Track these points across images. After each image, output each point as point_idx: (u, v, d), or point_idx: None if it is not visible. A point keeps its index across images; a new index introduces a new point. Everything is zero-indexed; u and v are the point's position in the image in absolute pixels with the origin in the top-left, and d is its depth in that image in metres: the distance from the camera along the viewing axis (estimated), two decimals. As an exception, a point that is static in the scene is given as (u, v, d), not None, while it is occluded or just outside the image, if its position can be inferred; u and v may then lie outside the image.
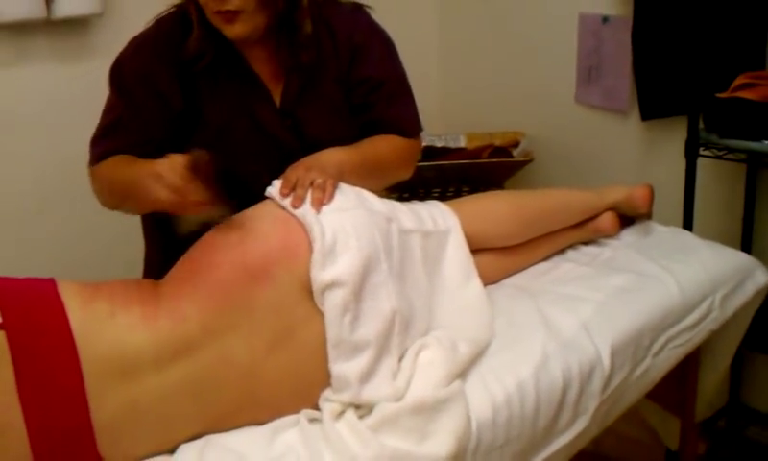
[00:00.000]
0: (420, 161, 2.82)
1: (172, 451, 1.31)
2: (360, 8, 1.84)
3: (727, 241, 2.08)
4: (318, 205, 1.47)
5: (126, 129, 1.68)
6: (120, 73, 1.71)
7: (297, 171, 1.55)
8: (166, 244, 1.63)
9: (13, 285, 1.28)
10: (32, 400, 1.18)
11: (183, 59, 1.67)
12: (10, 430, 1.17)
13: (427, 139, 2.97)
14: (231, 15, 1.59)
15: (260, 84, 1.72)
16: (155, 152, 1.60)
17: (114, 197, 1.67)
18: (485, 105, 3.10)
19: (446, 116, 3.23)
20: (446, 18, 3.22)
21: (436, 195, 2.72)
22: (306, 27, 1.68)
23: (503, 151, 2.80)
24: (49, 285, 1.30)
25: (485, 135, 2.92)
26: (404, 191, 2.59)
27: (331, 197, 1.50)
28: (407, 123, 1.85)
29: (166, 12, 1.71)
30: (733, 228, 2.41)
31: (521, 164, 2.75)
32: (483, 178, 2.72)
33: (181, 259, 1.45)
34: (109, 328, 1.27)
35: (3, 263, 1.86)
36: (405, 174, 1.86)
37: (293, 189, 1.50)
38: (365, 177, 1.66)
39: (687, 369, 1.98)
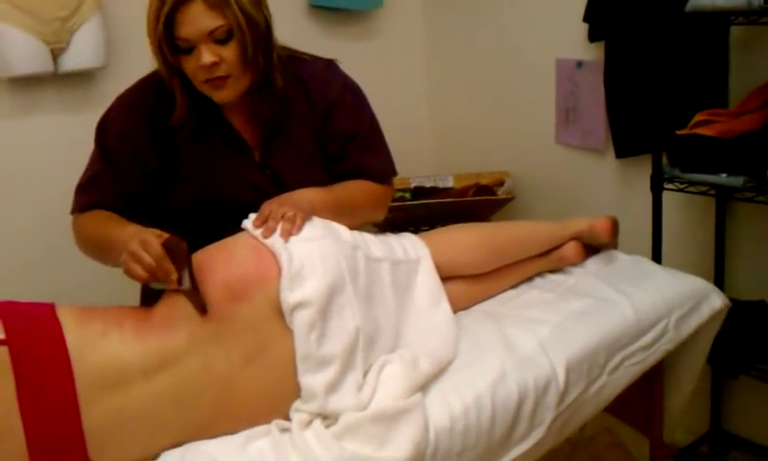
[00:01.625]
0: (409, 200, 2.99)
1: (155, 458, 1.44)
2: (331, 64, 1.97)
3: (699, 272, 2.16)
4: (287, 235, 1.61)
5: (105, 183, 1.80)
6: (103, 129, 1.84)
7: (270, 205, 1.69)
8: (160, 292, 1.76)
9: (16, 307, 1.44)
10: (30, 408, 1.32)
11: (167, 125, 1.79)
12: (10, 434, 1.30)
13: (417, 180, 3.13)
14: (221, 81, 1.72)
15: (240, 140, 1.85)
16: (134, 204, 1.78)
17: (90, 250, 1.80)
18: (472, 147, 3.25)
19: (436, 158, 3.39)
20: (435, 68, 3.39)
21: (425, 231, 2.86)
22: (278, 81, 1.82)
23: (487, 189, 2.94)
24: (48, 308, 1.45)
25: (472, 175, 3.07)
26: (395, 228, 2.73)
27: (300, 228, 1.64)
28: (379, 170, 1.97)
29: (150, 75, 1.83)
30: (706, 259, 2.52)
31: (504, 202, 2.89)
32: (469, 215, 2.85)
33: None
34: (102, 345, 1.42)
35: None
36: (377, 216, 1.99)
37: (265, 221, 1.64)
38: (336, 215, 1.77)
39: (653, 391, 2.08)
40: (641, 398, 2.08)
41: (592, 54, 2.68)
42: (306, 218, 1.68)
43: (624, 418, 2.21)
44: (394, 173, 2.03)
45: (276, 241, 1.59)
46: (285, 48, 1.89)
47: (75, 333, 1.41)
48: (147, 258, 1.51)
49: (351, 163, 1.93)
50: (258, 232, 1.62)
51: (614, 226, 2.15)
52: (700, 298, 1.99)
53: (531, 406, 1.63)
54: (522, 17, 2.95)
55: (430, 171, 3.27)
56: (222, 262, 1.58)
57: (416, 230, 2.01)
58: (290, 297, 1.52)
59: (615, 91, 2.59)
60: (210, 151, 1.83)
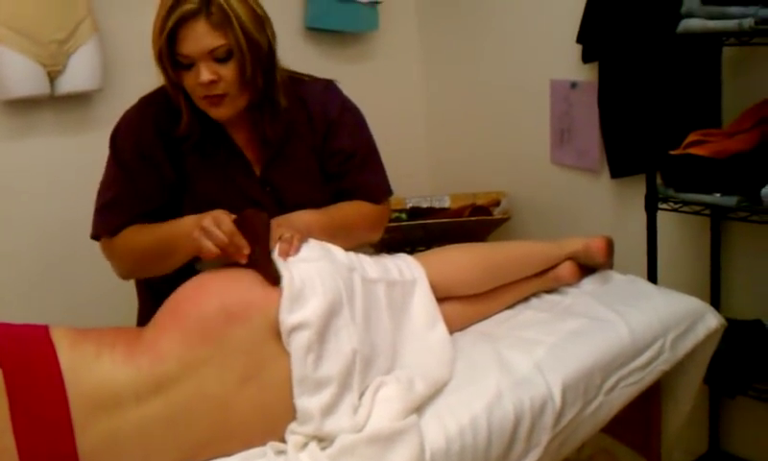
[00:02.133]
0: (406, 221, 2.99)
1: (150, 481, 1.44)
2: (331, 84, 2.00)
3: (694, 292, 2.16)
4: (284, 255, 1.62)
5: (130, 203, 1.82)
6: (117, 147, 1.86)
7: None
8: (157, 304, 1.76)
9: (10, 330, 1.44)
10: (23, 429, 1.32)
11: (173, 136, 1.82)
12: (4, 456, 1.30)
13: (413, 200, 3.14)
14: (218, 99, 1.75)
15: (242, 155, 1.88)
16: (156, 219, 1.79)
17: (143, 261, 1.80)
18: (468, 167, 3.26)
19: (432, 178, 3.40)
20: (431, 89, 3.41)
21: (421, 252, 2.86)
22: (281, 101, 1.84)
23: (483, 209, 2.95)
24: (42, 330, 1.45)
25: (468, 196, 3.08)
26: (391, 249, 2.73)
27: (297, 250, 1.65)
28: (376, 189, 2.01)
29: (152, 91, 1.87)
30: (701, 279, 2.52)
31: (500, 222, 2.90)
32: (465, 235, 2.85)
33: (164, 304, 1.59)
34: (95, 367, 1.42)
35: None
36: (374, 237, 2.01)
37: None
38: (331, 237, 1.79)
39: (650, 411, 2.08)
40: (639, 418, 2.07)
41: (586, 74, 2.70)
42: (303, 240, 1.69)
43: (622, 439, 2.20)
44: (390, 193, 2.05)
45: (276, 261, 1.60)
46: (285, 70, 1.91)
47: (68, 355, 1.42)
48: (219, 234, 1.59)
49: (349, 181, 1.96)
50: None
51: (610, 246, 2.16)
52: (696, 317, 1.99)
53: (527, 427, 1.62)
54: (517, 39, 2.97)
55: (426, 191, 3.28)
56: (222, 283, 1.59)
57: (412, 251, 2.02)
58: (289, 318, 1.52)
59: (609, 111, 2.60)
60: (213, 165, 1.86)
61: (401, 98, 3.38)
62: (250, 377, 1.50)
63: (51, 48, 2.37)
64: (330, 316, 1.56)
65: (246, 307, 1.53)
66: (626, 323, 1.89)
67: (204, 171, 1.86)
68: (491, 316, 2.01)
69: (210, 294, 1.55)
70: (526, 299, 2.09)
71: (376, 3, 3.14)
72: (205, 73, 1.69)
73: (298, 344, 1.51)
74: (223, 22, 1.68)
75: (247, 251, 1.60)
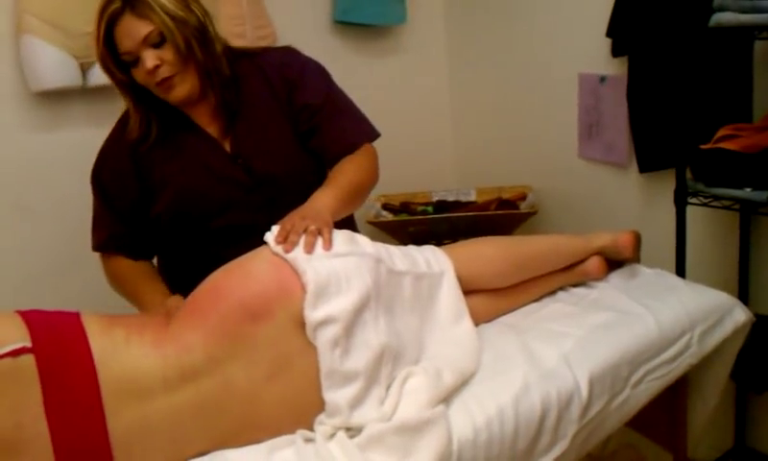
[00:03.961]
0: (432, 214, 3.00)
1: (180, 466, 1.46)
2: (288, 49, 2.06)
3: (723, 286, 2.15)
4: (310, 248, 1.63)
5: (109, 223, 1.99)
6: (93, 173, 2.01)
7: (292, 219, 1.70)
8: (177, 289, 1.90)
9: (42, 316, 1.46)
10: (56, 415, 1.34)
11: (133, 142, 1.93)
12: (38, 441, 1.32)
13: (439, 194, 3.15)
14: (168, 83, 1.83)
15: (208, 136, 1.95)
16: (142, 236, 1.96)
17: (120, 293, 2.01)
18: (495, 161, 3.26)
19: (458, 172, 3.41)
20: (458, 82, 3.41)
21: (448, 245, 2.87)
22: (224, 70, 1.91)
23: (510, 203, 2.95)
24: (73, 316, 1.47)
25: (494, 189, 3.08)
26: (417, 242, 2.74)
27: (330, 243, 1.66)
28: (356, 134, 2.03)
29: (121, 116, 1.99)
30: (730, 274, 2.51)
31: (526, 216, 2.89)
32: (491, 229, 2.85)
33: (188, 299, 1.61)
34: (125, 353, 1.44)
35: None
36: (375, 182, 2.03)
37: (287, 237, 1.65)
38: (350, 208, 1.89)
39: (676, 405, 2.08)
40: (665, 413, 2.07)
41: (615, 69, 2.69)
42: (332, 230, 1.70)
43: (647, 433, 2.20)
44: (373, 134, 2.08)
45: (298, 257, 1.60)
46: (242, 48, 2.03)
47: (99, 341, 1.44)
48: None
49: (325, 134, 1.99)
50: (279, 248, 1.63)
51: (637, 240, 2.15)
52: (723, 312, 1.99)
53: (554, 419, 1.63)
54: (545, 32, 2.96)
55: (452, 185, 3.29)
56: (239, 280, 1.58)
57: (438, 245, 2.02)
58: (314, 314, 1.52)
59: (639, 106, 2.59)
60: (182, 154, 1.94)
61: (429, 91, 3.39)
62: (277, 372, 1.51)
63: (83, 40, 2.38)
64: (357, 311, 1.56)
65: (265, 304, 1.53)
66: (653, 316, 1.89)
67: (174, 161, 1.93)
68: (517, 309, 2.02)
69: (228, 293, 1.55)
70: (553, 292, 2.09)
71: (404, -4, 3.15)
72: (148, 60, 1.79)
73: (324, 338, 1.52)
74: (146, 10, 1.78)
75: None
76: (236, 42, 2.74)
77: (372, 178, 2.00)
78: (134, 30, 1.78)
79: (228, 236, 1.91)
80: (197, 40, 1.83)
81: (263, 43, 2.84)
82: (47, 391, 1.34)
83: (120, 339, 1.45)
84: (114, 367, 1.41)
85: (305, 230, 1.67)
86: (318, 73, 2.04)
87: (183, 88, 1.85)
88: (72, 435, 1.34)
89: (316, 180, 1.96)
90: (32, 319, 1.42)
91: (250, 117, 1.95)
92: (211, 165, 1.93)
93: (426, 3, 3.29)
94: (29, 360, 1.35)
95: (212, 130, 1.95)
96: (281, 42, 2.92)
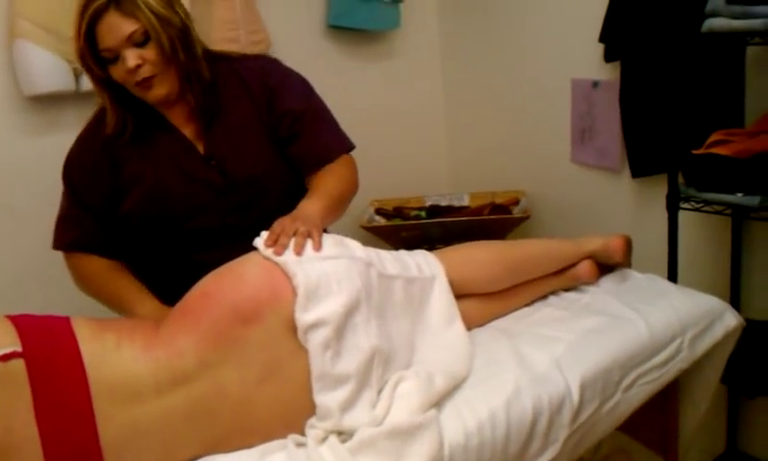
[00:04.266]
0: (425, 219, 3.00)
1: (171, 471, 1.45)
2: (267, 57, 2.08)
3: (714, 291, 2.15)
4: (299, 250, 1.63)
5: (79, 221, 1.96)
6: (65, 167, 1.98)
7: (282, 223, 1.71)
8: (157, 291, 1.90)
9: (32, 321, 1.46)
10: (46, 419, 1.34)
11: (108, 138, 1.91)
12: (28, 444, 1.32)
13: (433, 198, 3.16)
14: (148, 82, 1.82)
15: (182, 137, 1.93)
16: (112, 236, 1.95)
17: (96, 298, 1.96)
18: (488, 166, 3.27)
19: (452, 177, 3.42)
20: (451, 87, 3.42)
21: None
22: (204, 73, 1.90)
23: (503, 208, 2.96)
24: (63, 321, 1.47)
25: (487, 194, 3.09)
26: (410, 247, 2.74)
27: (320, 245, 1.67)
28: (335, 145, 2.03)
29: (96, 110, 1.98)
30: (722, 278, 2.51)
31: (519, 221, 2.90)
32: (484, 234, 2.86)
33: (179, 304, 1.61)
34: (115, 358, 1.44)
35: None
36: (356, 193, 2.03)
37: (276, 239, 1.66)
38: (334, 216, 1.89)
39: (668, 409, 2.08)
40: (656, 417, 2.08)
41: (608, 74, 2.70)
42: (321, 233, 1.71)
43: (639, 438, 2.20)
44: (350, 146, 2.07)
45: (289, 260, 1.60)
46: (220, 52, 2.02)
47: (90, 346, 1.44)
48: None
49: (305, 143, 1.98)
50: (269, 252, 1.63)
51: (628, 245, 2.16)
52: (714, 316, 1.99)
53: (545, 423, 1.63)
54: (538, 37, 2.97)
55: (446, 190, 3.30)
56: (231, 285, 1.58)
57: (431, 249, 2.02)
58: (304, 317, 1.53)
59: (631, 111, 2.60)
60: (155, 154, 1.92)
61: (422, 96, 3.39)
62: (268, 375, 1.51)
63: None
64: (348, 313, 1.57)
65: (257, 308, 1.53)
66: (645, 321, 1.89)
67: (147, 162, 1.91)
68: (509, 313, 2.02)
69: (220, 297, 1.56)
70: (545, 296, 2.09)
71: (398, 1, 3.16)
72: (130, 59, 1.77)
73: (315, 341, 1.52)
74: (132, 8, 1.76)
75: None
76: (230, 47, 2.76)
77: (352, 188, 2.00)
78: (119, 27, 1.76)
79: (198, 239, 1.91)
80: (180, 41, 1.83)
81: (257, 48, 2.85)
82: (37, 395, 1.34)
83: (111, 344, 1.45)
84: (105, 371, 1.41)
85: (295, 233, 1.67)
86: (299, 82, 2.05)
87: (163, 89, 1.85)
88: (62, 439, 1.34)
89: (289, 186, 1.98)
90: (22, 323, 1.42)
91: (225, 120, 1.94)
92: (184, 166, 1.91)
93: (420, 8, 3.30)
94: (19, 365, 1.35)
95: (187, 131, 1.94)
96: (275, 47, 2.93)
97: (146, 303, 1.87)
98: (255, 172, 1.94)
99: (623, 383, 1.79)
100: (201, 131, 1.94)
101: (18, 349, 1.36)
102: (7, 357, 1.34)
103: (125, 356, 1.45)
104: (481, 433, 1.54)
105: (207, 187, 1.91)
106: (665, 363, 1.87)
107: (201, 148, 1.93)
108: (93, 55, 1.80)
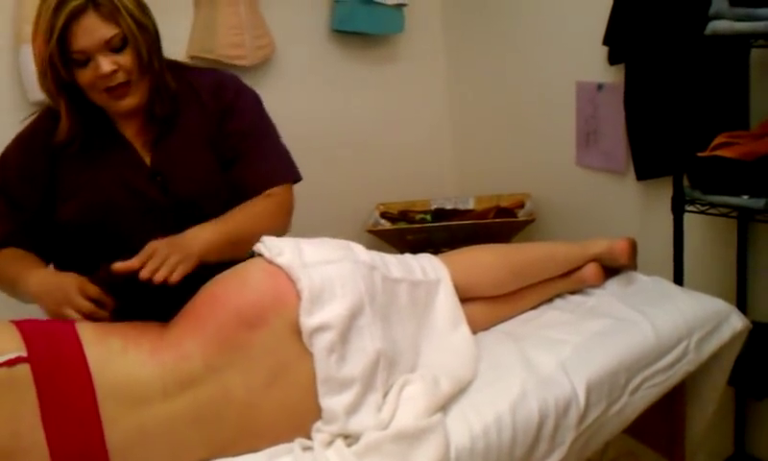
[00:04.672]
0: (430, 222, 3.00)
1: (178, 475, 1.46)
2: (224, 72, 2.01)
3: (720, 294, 2.16)
4: (160, 280, 1.58)
5: (7, 220, 1.85)
6: (1, 168, 1.88)
7: (159, 244, 1.64)
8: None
9: (37, 325, 1.47)
10: (53, 423, 1.34)
11: (55, 145, 1.81)
12: (34, 449, 1.33)
13: (438, 202, 3.16)
14: (122, 90, 1.75)
15: (132, 149, 1.85)
16: (39, 237, 1.85)
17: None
18: (493, 169, 3.26)
19: (457, 180, 3.41)
20: (456, 91, 3.42)
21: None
22: (171, 83, 1.85)
23: (508, 211, 2.95)
24: (68, 326, 1.48)
25: (493, 197, 3.09)
26: (415, 250, 2.75)
27: (177, 282, 1.60)
28: (276, 173, 1.94)
29: (44, 109, 1.88)
30: (728, 281, 2.51)
31: (525, 224, 2.90)
32: (489, 237, 2.86)
33: (185, 308, 1.61)
34: (121, 361, 1.45)
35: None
36: (282, 229, 1.90)
37: (148, 259, 1.60)
38: (231, 252, 1.73)
39: (675, 412, 2.08)
40: (663, 420, 2.07)
41: (613, 76, 2.69)
42: (188, 270, 1.64)
43: (646, 441, 2.20)
44: (295, 178, 2.00)
45: (293, 264, 1.60)
46: (174, 61, 1.94)
47: (95, 350, 1.44)
48: (80, 302, 1.61)
49: (246, 166, 1.91)
50: (276, 257, 1.63)
51: (633, 248, 2.16)
52: (720, 319, 1.99)
53: (552, 426, 1.63)
54: (543, 40, 2.97)
55: (451, 193, 3.30)
56: (235, 289, 1.59)
57: (436, 253, 2.03)
58: (309, 321, 1.53)
59: (636, 114, 2.59)
60: (100, 164, 1.83)
61: (426, 100, 3.40)
62: (274, 379, 1.52)
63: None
64: (352, 317, 1.58)
65: (261, 312, 1.54)
66: (651, 323, 1.89)
67: (90, 171, 1.82)
68: (514, 317, 2.02)
69: (225, 301, 1.56)
70: (550, 299, 2.10)
71: (402, 6, 3.16)
72: (106, 64, 1.70)
73: (320, 345, 1.53)
74: (112, 12, 1.70)
75: (111, 306, 1.62)
76: (235, 52, 2.77)
77: (272, 227, 1.83)
78: (97, 31, 1.69)
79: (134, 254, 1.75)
80: (154, 50, 1.78)
81: (262, 53, 2.85)
82: (43, 400, 1.35)
83: (116, 347, 1.46)
84: (110, 375, 1.42)
85: (164, 261, 1.61)
86: (252, 102, 1.98)
87: (134, 98, 1.78)
88: (69, 444, 1.35)
89: (235, 204, 1.89)
90: (27, 328, 1.43)
91: (176, 134, 1.87)
92: (129, 180, 1.83)
93: (424, 12, 3.30)
94: (25, 370, 1.36)
95: (137, 143, 1.86)
96: (280, 51, 2.94)
97: (33, 271, 1.75)
98: (199, 192, 1.85)
99: (629, 386, 1.79)
100: (150, 143, 1.86)
101: (24, 353, 1.37)
102: (12, 362, 1.35)
103: (131, 360, 1.45)
104: (487, 436, 1.55)
105: (148, 204, 1.82)
106: (672, 366, 1.88)
107: (148, 161, 1.86)
108: (62, 56, 1.70)
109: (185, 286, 1.65)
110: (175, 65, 1.92)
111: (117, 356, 1.45)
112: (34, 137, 1.86)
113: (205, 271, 1.67)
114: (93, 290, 1.63)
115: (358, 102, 3.23)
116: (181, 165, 1.86)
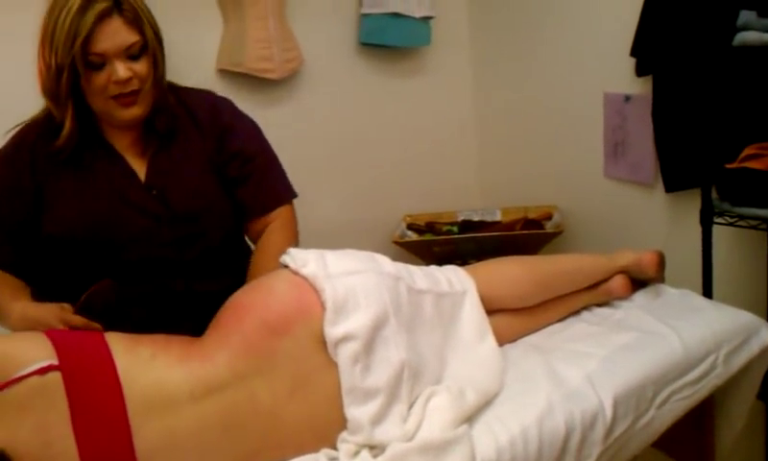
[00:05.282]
0: (457, 234, 3.00)
1: (205, 483, 1.47)
2: (216, 94, 2.01)
3: (750, 307, 2.13)
4: None
5: None
6: None
7: None
8: None
9: (67, 335, 1.50)
10: (83, 431, 1.36)
11: (51, 153, 1.78)
12: (65, 457, 1.35)
13: (465, 213, 3.16)
14: (132, 97, 1.75)
15: (124, 162, 1.83)
16: (24, 254, 1.81)
17: None
18: (520, 181, 3.26)
19: (483, 192, 3.41)
20: (482, 102, 3.42)
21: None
22: (170, 98, 1.86)
23: (535, 223, 2.95)
24: (98, 335, 1.51)
25: (520, 209, 3.08)
26: (442, 262, 2.75)
27: None
28: (282, 193, 2.01)
29: (31, 120, 1.84)
30: (758, 293, 2.48)
31: (552, 236, 2.89)
32: (517, 249, 2.85)
33: (214, 319, 1.64)
34: (150, 369, 1.47)
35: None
36: (296, 244, 1.96)
37: None
38: None
39: (703, 426, 2.06)
40: (692, 434, 2.06)
41: (640, 88, 2.68)
42: None
43: (675, 455, 2.18)
44: (294, 193, 2.05)
45: (318, 275, 1.63)
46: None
47: (124, 358, 1.46)
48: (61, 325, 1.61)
49: (254, 187, 1.95)
50: (301, 268, 1.66)
51: (661, 260, 2.15)
52: (750, 332, 1.97)
53: (578, 440, 1.62)
54: (570, 51, 2.97)
55: (477, 205, 3.29)
56: (261, 299, 1.62)
57: (463, 264, 2.03)
58: (333, 331, 1.55)
59: (664, 125, 2.58)
60: (92, 176, 1.81)
61: (453, 112, 3.40)
62: (299, 388, 1.53)
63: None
64: (376, 327, 1.59)
65: (286, 321, 1.56)
66: (678, 336, 1.88)
67: (81, 184, 1.80)
68: (540, 329, 2.02)
69: (251, 310, 1.59)
70: (577, 312, 2.09)
71: (429, 18, 3.17)
72: (122, 70, 1.70)
73: (345, 355, 1.54)
74: (136, 18, 1.70)
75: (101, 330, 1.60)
76: (263, 65, 2.80)
77: (291, 241, 1.95)
78: (120, 35, 1.69)
79: (131, 270, 1.79)
80: (162, 61, 1.79)
81: (290, 66, 2.88)
82: (74, 408, 1.37)
83: (146, 356, 1.48)
84: (140, 382, 1.44)
85: None
86: (251, 125, 2.00)
87: (140, 108, 1.78)
88: (99, 452, 1.37)
89: (232, 222, 1.95)
90: (57, 338, 1.45)
91: (169, 150, 1.87)
92: (124, 192, 1.81)
93: (451, 25, 3.31)
94: (56, 378, 1.38)
95: (129, 156, 1.84)
96: (308, 64, 2.97)
97: (13, 304, 1.72)
98: (197, 206, 1.86)
99: (657, 400, 1.78)
100: (143, 158, 1.85)
101: (55, 362, 1.39)
102: (44, 370, 1.37)
103: (159, 366, 1.48)
104: (513, 449, 1.55)
105: (148, 216, 1.81)
106: (700, 379, 1.86)
107: (142, 176, 1.84)
108: (82, 57, 1.69)
109: (175, 308, 1.69)
110: (168, 84, 1.89)
111: (146, 363, 1.47)
112: (18, 151, 1.82)
113: (197, 292, 1.71)
114: (77, 320, 1.62)
115: (385, 114, 3.24)
116: (176, 180, 1.86)
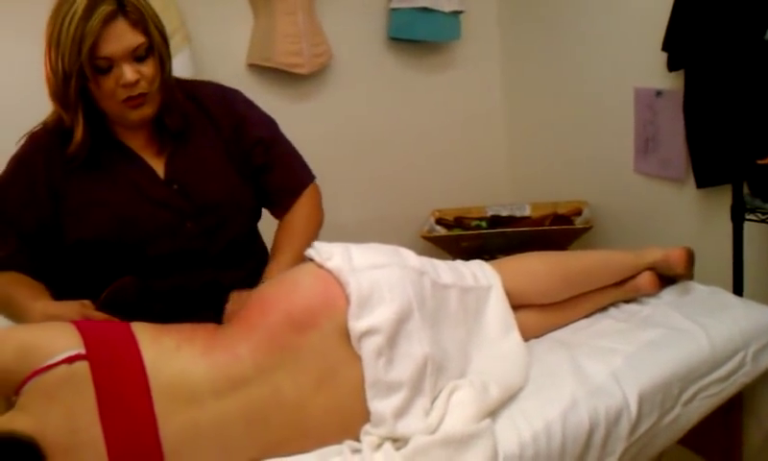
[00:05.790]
0: (486, 229, 3.00)
1: (229, 473, 1.49)
2: (221, 84, 2.00)
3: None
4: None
5: (6, 243, 1.79)
6: (2, 182, 1.81)
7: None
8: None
9: (94, 325, 1.51)
10: (110, 420, 1.38)
11: (59, 161, 1.76)
12: (92, 445, 1.37)
13: (494, 208, 3.16)
14: (141, 99, 1.73)
15: (141, 161, 1.82)
16: (41, 258, 1.79)
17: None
18: (549, 176, 3.25)
19: (513, 187, 3.41)
20: (512, 97, 3.42)
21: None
22: (178, 94, 1.85)
23: (565, 218, 2.94)
24: (124, 326, 1.53)
25: (549, 204, 3.08)
26: (470, 256, 2.75)
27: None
28: (304, 175, 2.04)
29: (33, 132, 1.82)
30: (790, 291, 2.46)
31: (581, 231, 2.87)
32: (546, 244, 2.84)
33: (238, 313, 1.65)
34: (175, 360, 1.48)
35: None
36: (322, 222, 2.03)
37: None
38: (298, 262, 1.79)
39: (731, 424, 2.04)
40: (720, 432, 2.04)
41: (671, 83, 2.66)
42: None
43: (702, 452, 2.16)
44: (314, 175, 2.07)
45: (343, 268, 1.63)
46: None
47: (151, 349, 1.48)
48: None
49: (280, 174, 1.98)
50: (326, 261, 1.66)
51: (690, 257, 2.12)
52: (780, 330, 1.95)
53: (602, 436, 1.62)
54: (600, 46, 2.95)
55: (507, 200, 3.29)
56: (286, 293, 1.63)
57: (491, 260, 2.02)
58: (358, 324, 1.56)
59: (695, 120, 2.56)
60: (112, 177, 1.80)
61: (482, 106, 3.40)
62: (323, 381, 1.54)
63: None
64: (400, 321, 1.59)
65: (311, 315, 1.57)
66: (706, 333, 1.86)
67: (102, 186, 1.79)
68: (566, 325, 2.01)
69: (276, 304, 1.60)
70: (604, 308, 2.07)
71: (459, 13, 3.17)
72: (130, 72, 1.68)
73: (368, 348, 1.55)
74: (141, 20, 1.68)
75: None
76: (292, 60, 2.82)
77: (319, 222, 2.01)
78: (125, 37, 1.67)
79: (160, 265, 1.79)
80: (168, 60, 1.78)
81: (319, 61, 2.89)
82: (101, 397, 1.39)
83: (171, 347, 1.50)
84: (165, 373, 1.46)
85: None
86: (264, 112, 2.01)
87: (149, 108, 1.76)
88: (125, 440, 1.39)
89: (254, 211, 1.99)
90: (85, 327, 1.48)
91: (188, 146, 1.86)
92: (146, 190, 1.80)
93: (480, 19, 3.31)
94: (83, 367, 1.40)
95: (145, 154, 1.83)
96: (337, 59, 2.98)
97: (35, 302, 1.68)
98: (220, 198, 1.86)
99: (683, 397, 1.77)
100: (159, 155, 1.84)
101: (82, 351, 1.42)
102: (72, 359, 1.40)
103: (184, 358, 1.49)
104: (536, 444, 1.54)
105: (172, 211, 1.81)
106: (727, 377, 1.84)
107: (160, 171, 1.83)
108: (90, 62, 1.66)
109: (202, 298, 1.71)
110: (176, 80, 1.88)
111: (171, 354, 1.49)
112: (33, 157, 1.79)
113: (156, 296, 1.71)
114: (98, 316, 1.63)
115: (414, 108, 3.25)
116: (195, 173, 1.85)
